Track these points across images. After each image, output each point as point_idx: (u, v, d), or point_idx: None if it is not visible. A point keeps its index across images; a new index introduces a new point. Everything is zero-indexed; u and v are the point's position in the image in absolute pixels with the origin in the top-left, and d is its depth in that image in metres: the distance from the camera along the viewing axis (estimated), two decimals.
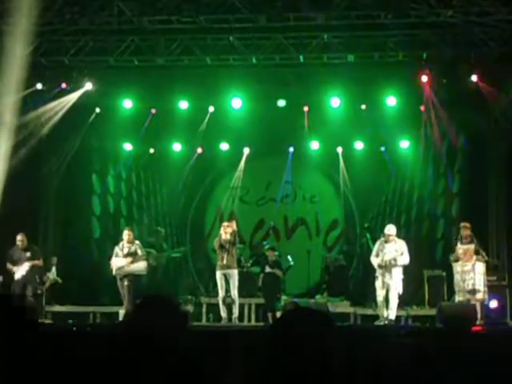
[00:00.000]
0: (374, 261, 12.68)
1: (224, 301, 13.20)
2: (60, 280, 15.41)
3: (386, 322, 12.41)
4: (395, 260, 12.44)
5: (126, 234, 13.40)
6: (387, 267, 12.48)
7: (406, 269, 12.67)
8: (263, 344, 2.34)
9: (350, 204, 17.65)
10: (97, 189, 17.57)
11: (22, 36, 12.31)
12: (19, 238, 13.29)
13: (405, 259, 12.54)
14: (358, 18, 12.84)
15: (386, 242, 12.63)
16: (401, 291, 12.50)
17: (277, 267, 14.21)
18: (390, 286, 12.46)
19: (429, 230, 16.35)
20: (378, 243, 12.83)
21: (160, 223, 17.57)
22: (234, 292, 13.11)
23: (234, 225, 13.51)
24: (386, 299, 12.53)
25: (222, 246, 13.19)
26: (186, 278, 16.89)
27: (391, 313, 12.48)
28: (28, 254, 13.26)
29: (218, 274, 13.22)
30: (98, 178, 17.57)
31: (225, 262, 13.12)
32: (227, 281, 13.16)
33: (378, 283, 12.60)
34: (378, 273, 12.62)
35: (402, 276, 12.55)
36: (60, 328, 10.88)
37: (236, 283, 13.15)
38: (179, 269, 16.62)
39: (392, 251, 12.53)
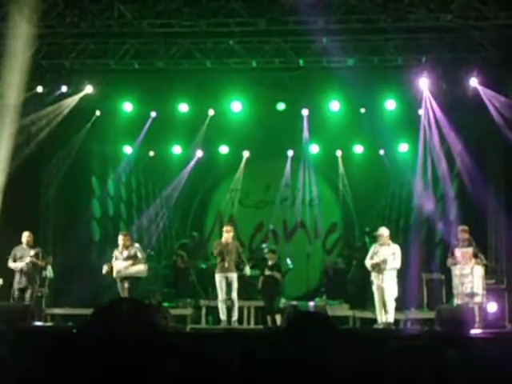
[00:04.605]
0: (368, 263, 12.74)
1: (224, 303, 13.23)
2: (52, 275, 14.82)
3: (385, 325, 12.44)
4: (385, 262, 12.47)
5: (121, 240, 13.40)
6: (379, 269, 12.52)
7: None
8: (263, 347, 2.38)
9: (349, 207, 17.71)
10: (97, 192, 17.56)
11: (22, 39, 12.35)
12: (26, 234, 13.27)
13: (396, 263, 12.54)
14: (358, 21, 12.87)
15: (382, 245, 12.68)
16: (396, 294, 12.52)
17: (276, 270, 14.24)
18: (385, 290, 12.50)
19: (428, 234, 16.35)
20: (373, 247, 12.89)
21: (160, 225, 17.60)
22: (234, 295, 13.13)
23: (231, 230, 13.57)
24: (383, 302, 12.56)
25: (221, 251, 13.22)
26: (186, 281, 16.89)
27: (389, 316, 12.51)
28: (32, 252, 13.22)
29: (218, 277, 13.23)
30: (97, 181, 17.57)
31: (225, 265, 13.14)
32: (227, 283, 13.18)
33: (374, 287, 12.65)
34: (373, 276, 12.67)
35: (395, 280, 12.56)
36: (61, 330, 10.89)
37: (236, 286, 13.17)
38: (178, 271, 16.62)
39: (385, 254, 12.57)
